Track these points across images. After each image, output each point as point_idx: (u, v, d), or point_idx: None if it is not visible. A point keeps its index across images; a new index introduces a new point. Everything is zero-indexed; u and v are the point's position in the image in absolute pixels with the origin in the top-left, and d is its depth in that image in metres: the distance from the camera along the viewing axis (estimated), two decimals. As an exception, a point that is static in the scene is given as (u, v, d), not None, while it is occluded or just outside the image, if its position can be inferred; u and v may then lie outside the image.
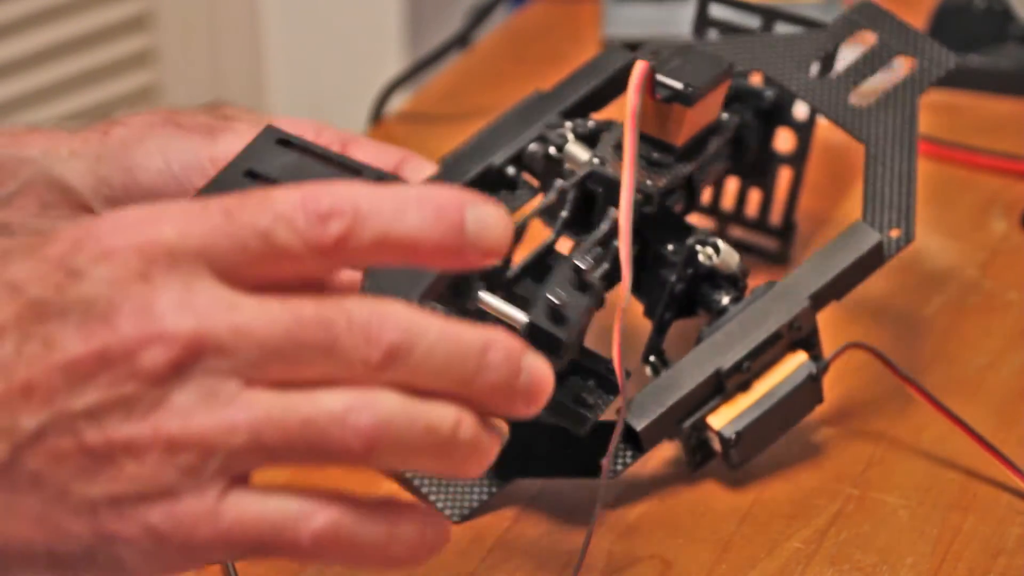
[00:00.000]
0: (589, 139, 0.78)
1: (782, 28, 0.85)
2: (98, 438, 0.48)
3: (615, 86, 0.82)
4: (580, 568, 0.68)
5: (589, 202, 0.75)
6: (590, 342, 0.71)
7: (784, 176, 0.89)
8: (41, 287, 0.49)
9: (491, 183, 0.80)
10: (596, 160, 0.75)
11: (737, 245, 0.90)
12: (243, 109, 0.79)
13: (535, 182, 0.80)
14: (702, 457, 0.74)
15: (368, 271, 0.58)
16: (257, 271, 0.50)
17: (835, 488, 0.74)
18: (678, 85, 0.74)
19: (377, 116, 1.07)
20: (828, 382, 0.79)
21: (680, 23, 1.10)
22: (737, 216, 0.91)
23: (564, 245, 0.73)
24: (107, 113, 0.80)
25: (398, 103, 1.10)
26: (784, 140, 0.88)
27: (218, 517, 0.48)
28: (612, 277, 0.73)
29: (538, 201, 0.80)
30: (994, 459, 0.73)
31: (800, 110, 0.87)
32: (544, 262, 0.70)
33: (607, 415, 0.70)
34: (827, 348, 0.75)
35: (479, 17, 1.15)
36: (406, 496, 0.74)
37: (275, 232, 0.49)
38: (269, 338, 0.48)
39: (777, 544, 0.71)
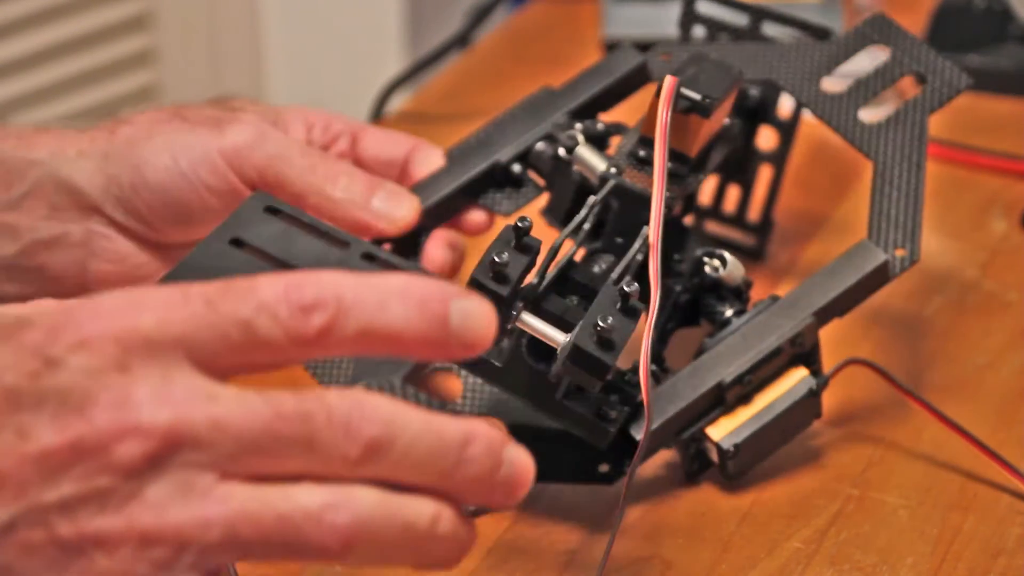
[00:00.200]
0: (598, 141, 0.78)
1: (770, 28, 0.85)
2: (70, 531, 0.47)
3: (625, 87, 0.82)
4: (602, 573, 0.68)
5: (602, 210, 0.75)
6: None
7: (764, 174, 0.89)
8: (16, 375, 0.48)
9: (497, 180, 0.80)
10: (613, 169, 0.74)
11: (713, 240, 0.91)
12: (249, 100, 0.79)
13: (541, 181, 0.80)
14: (699, 466, 0.74)
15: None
16: (237, 360, 0.49)
17: (835, 488, 0.74)
18: (696, 96, 0.73)
19: (377, 116, 1.07)
20: (830, 382, 0.79)
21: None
22: (715, 211, 0.91)
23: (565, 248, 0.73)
24: (108, 113, 0.80)
25: (398, 103, 1.10)
26: (766, 138, 0.88)
27: None
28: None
29: (544, 200, 0.80)
30: (994, 461, 0.74)
31: (784, 109, 0.87)
32: (567, 275, 0.70)
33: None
34: (829, 350, 0.75)
35: (479, 17, 1.15)
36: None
37: (257, 323, 0.48)
38: (247, 432, 0.48)
39: (777, 544, 0.71)
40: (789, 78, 0.79)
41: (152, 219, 0.76)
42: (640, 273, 0.69)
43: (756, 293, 0.75)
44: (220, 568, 0.49)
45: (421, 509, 0.49)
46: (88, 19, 1.85)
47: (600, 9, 1.17)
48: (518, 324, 0.67)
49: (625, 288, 0.66)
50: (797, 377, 0.73)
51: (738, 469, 0.73)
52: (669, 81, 0.71)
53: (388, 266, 0.54)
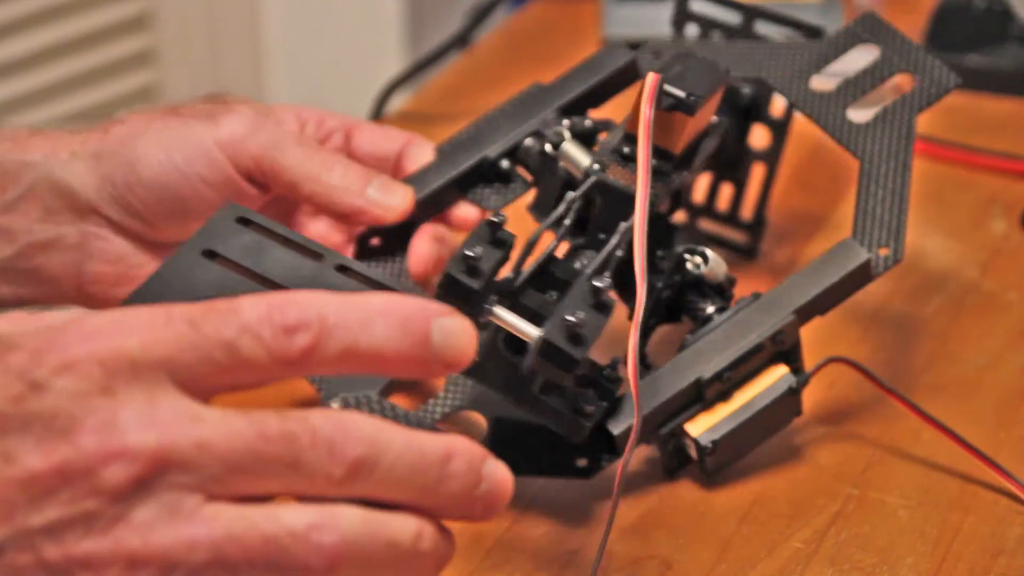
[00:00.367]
0: (585, 138, 0.78)
1: (763, 27, 0.85)
2: (57, 554, 0.47)
3: (614, 84, 0.82)
4: (596, 571, 0.68)
5: (586, 206, 0.75)
6: None
7: (757, 172, 0.89)
8: (1, 399, 0.48)
9: (485, 175, 0.80)
10: (596, 166, 0.75)
11: (706, 237, 0.91)
12: (242, 98, 0.79)
13: (529, 177, 0.80)
14: (678, 462, 0.74)
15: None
16: (220, 381, 0.49)
17: (835, 488, 0.74)
18: (681, 94, 0.73)
19: (377, 116, 1.07)
20: (828, 382, 0.79)
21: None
22: (708, 209, 0.91)
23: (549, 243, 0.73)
24: (107, 113, 0.80)
25: (398, 103, 1.10)
26: (759, 137, 0.88)
27: None
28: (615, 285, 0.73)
29: (531, 195, 0.80)
30: (996, 454, 0.74)
31: (777, 108, 0.87)
32: (547, 270, 0.70)
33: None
34: (828, 349, 0.75)
35: (479, 17, 1.15)
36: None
37: (240, 344, 0.49)
38: (232, 453, 0.48)
39: (777, 544, 0.71)
40: (778, 76, 0.79)
41: (148, 216, 0.76)
42: (624, 269, 0.70)
43: (750, 291, 0.75)
44: None
45: (404, 526, 0.50)
46: (88, 19, 1.85)
47: (600, 9, 1.17)
48: (491, 318, 0.68)
49: (596, 283, 0.66)
50: (777, 374, 0.73)
51: (717, 465, 0.73)
52: (652, 78, 0.72)
53: (362, 278, 0.54)
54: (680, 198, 0.81)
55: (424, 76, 1.14)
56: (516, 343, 0.69)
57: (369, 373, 0.50)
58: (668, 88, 0.73)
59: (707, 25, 0.86)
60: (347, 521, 0.49)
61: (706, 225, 0.92)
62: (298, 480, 0.49)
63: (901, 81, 0.81)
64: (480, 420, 0.74)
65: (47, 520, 0.47)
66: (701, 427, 0.72)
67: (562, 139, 0.77)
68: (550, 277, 0.70)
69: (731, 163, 0.89)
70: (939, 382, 0.81)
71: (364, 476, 0.49)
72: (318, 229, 0.82)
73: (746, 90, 0.85)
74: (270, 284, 0.55)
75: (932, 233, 0.93)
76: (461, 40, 1.15)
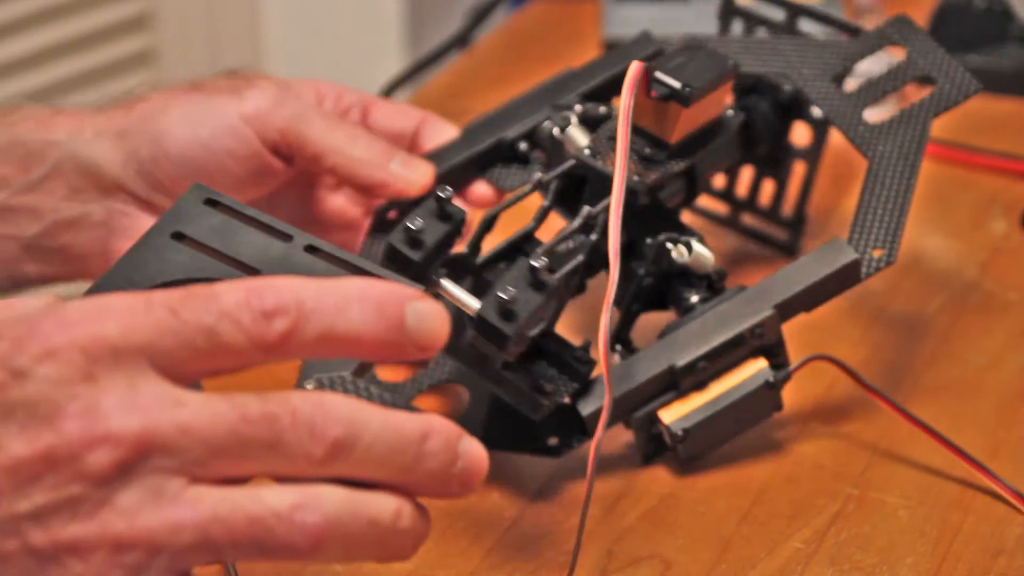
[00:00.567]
0: (596, 124, 0.79)
1: (806, 25, 0.85)
2: (44, 539, 0.48)
3: None
4: (578, 550, 0.68)
5: (582, 186, 0.76)
6: (565, 323, 0.72)
7: (799, 169, 0.90)
8: None
9: (504, 156, 0.81)
10: (587, 151, 0.75)
11: (748, 233, 0.91)
12: (262, 72, 0.80)
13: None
14: (654, 449, 0.75)
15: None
16: (200, 366, 0.50)
17: (835, 488, 0.74)
18: (676, 84, 0.74)
19: (377, 116, 1.07)
20: (828, 382, 0.79)
21: (680, 23, 1.11)
22: (750, 204, 0.92)
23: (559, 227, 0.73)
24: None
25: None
26: (801, 134, 0.89)
27: None
28: (593, 267, 0.74)
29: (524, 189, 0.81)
30: (995, 454, 0.74)
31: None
32: (522, 248, 0.71)
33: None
34: (830, 347, 0.75)
35: (479, 17, 1.15)
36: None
37: (220, 329, 0.49)
38: (214, 436, 0.49)
39: (777, 544, 0.71)
40: (802, 72, 0.80)
41: (174, 190, 0.77)
42: (603, 252, 0.70)
43: None
44: (190, 569, 0.49)
45: (384, 504, 0.50)
46: (88, 19, 1.85)
47: (600, 9, 1.17)
48: (438, 290, 0.69)
49: (533, 262, 0.67)
50: (755, 368, 0.73)
51: (689, 453, 0.74)
52: (635, 66, 0.72)
53: (331, 259, 0.55)
54: (694, 188, 0.81)
55: (424, 76, 1.14)
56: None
57: (345, 357, 0.51)
58: (663, 78, 0.74)
59: (752, 21, 0.86)
60: (329, 501, 0.49)
61: (749, 220, 0.92)
62: (280, 461, 0.49)
63: (910, 89, 0.82)
64: (465, 393, 0.76)
65: (33, 506, 0.48)
66: (674, 415, 0.73)
67: (568, 123, 0.79)
68: (523, 255, 0.71)
69: (772, 160, 0.89)
70: (939, 382, 0.81)
71: (344, 456, 0.50)
72: (338, 202, 0.83)
73: (788, 87, 0.86)
74: (240, 265, 0.55)
75: (932, 233, 0.93)
76: (461, 40, 1.15)
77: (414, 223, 0.68)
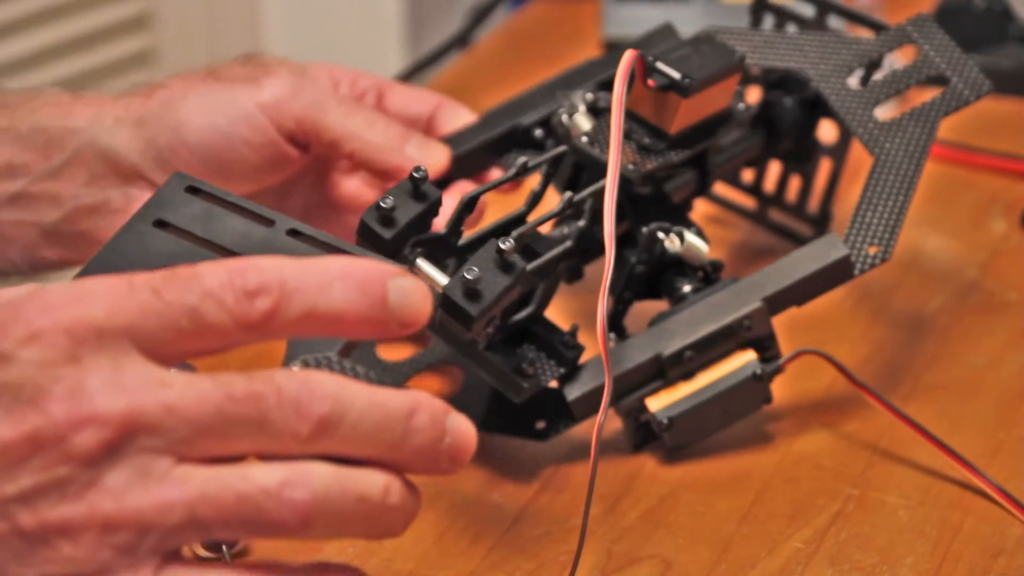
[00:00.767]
0: (603, 112, 0.79)
1: (834, 22, 0.85)
2: (32, 521, 0.48)
3: None
4: (582, 546, 0.68)
5: (576, 175, 0.77)
6: (555, 309, 0.72)
7: (825, 166, 0.90)
8: None
9: (520, 142, 0.82)
10: (585, 138, 0.76)
11: (774, 228, 0.91)
12: (278, 59, 0.80)
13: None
14: (642, 438, 0.75)
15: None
16: (184, 346, 0.50)
17: (835, 488, 0.74)
18: (675, 75, 0.74)
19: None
20: (828, 382, 0.79)
21: (680, 23, 1.10)
22: (778, 200, 0.92)
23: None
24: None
25: (398, 103, 1.10)
26: (828, 131, 0.89)
27: None
28: (589, 253, 0.75)
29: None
30: (995, 454, 0.74)
31: None
32: (509, 232, 0.71)
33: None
34: (830, 347, 0.75)
35: (479, 17, 1.15)
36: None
37: (204, 310, 0.49)
38: (200, 415, 0.49)
39: (777, 544, 0.71)
40: (817, 67, 0.80)
41: None
42: (597, 237, 0.70)
43: None
44: (179, 548, 0.50)
45: (373, 481, 0.50)
46: (88, 19, 1.85)
47: (600, 9, 1.17)
48: (413, 269, 0.69)
49: (500, 244, 0.67)
50: (743, 359, 0.74)
51: (676, 443, 0.74)
52: (628, 55, 0.72)
53: (313, 241, 0.55)
54: (706, 180, 0.82)
55: (424, 76, 1.14)
56: None
57: (328, 335, 0.51)
58: (663, 68, 0.74)
59: (783, 16, 0.87)
60: (318, 477, 0.49)
61: (776, 216, 0.92)
62: (266, 439, 0.49)
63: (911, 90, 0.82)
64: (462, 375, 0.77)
65: (20, 488, 0.48)
66: (661, 403, 0.73)
67: (575, 110, 0.79)
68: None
69: (799, 155, 0.89)
70: (939, 382, 0.81)
71: (330, 433, 0.50)
72: (352, 186, 0.84)
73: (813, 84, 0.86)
74: (223, 251, 0.55)
75: (932, 233, 0.93)
76: (461, 40, 1.15)
77: (385, 201, 0.68)
